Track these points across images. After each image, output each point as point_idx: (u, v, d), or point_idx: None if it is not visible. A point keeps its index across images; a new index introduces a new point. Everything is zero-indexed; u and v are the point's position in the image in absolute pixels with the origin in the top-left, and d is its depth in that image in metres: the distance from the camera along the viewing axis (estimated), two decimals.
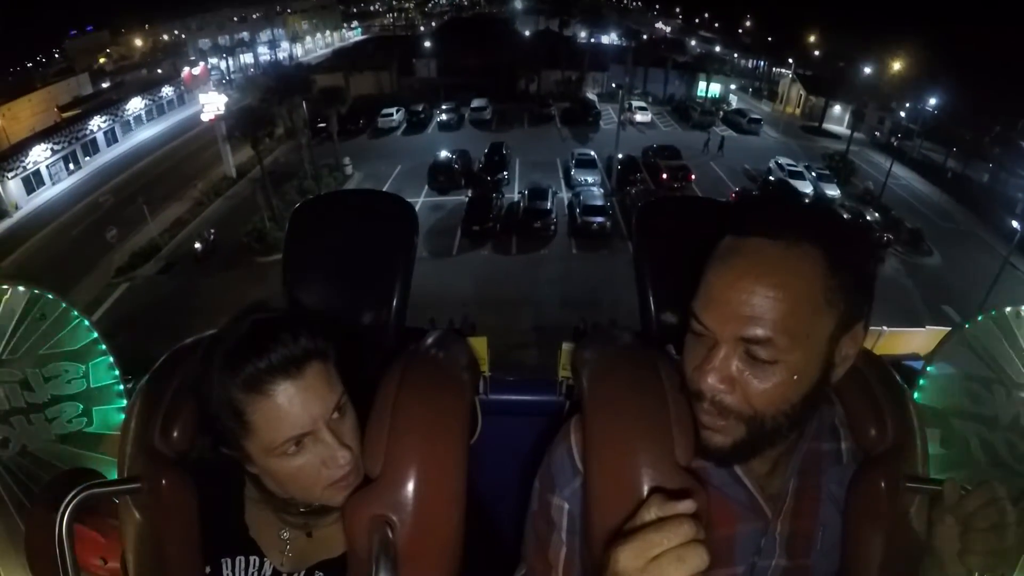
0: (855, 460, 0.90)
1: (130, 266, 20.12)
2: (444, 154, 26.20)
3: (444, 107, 35.17)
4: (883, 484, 0.86)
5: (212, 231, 21.34)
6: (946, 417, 1.54)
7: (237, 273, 19.18)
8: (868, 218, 21.51)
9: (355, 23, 73.79)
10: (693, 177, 24.77)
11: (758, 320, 0.70)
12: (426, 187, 24.55)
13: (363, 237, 1.20)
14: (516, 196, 23.08)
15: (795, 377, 0.72)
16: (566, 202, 22.92)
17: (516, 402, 1.44)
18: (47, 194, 28.33)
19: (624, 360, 0.90)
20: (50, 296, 1.58)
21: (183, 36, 59.09)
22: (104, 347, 1.62)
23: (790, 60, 38.61)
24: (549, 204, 21.65)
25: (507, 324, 15.71)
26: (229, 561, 0.94)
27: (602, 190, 23.13)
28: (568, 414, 0.95)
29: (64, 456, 1.58)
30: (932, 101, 27.32)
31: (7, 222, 25.42)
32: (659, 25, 70.53)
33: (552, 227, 20.92)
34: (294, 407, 0.81)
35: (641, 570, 0.61)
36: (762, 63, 46.76)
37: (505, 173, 25.66)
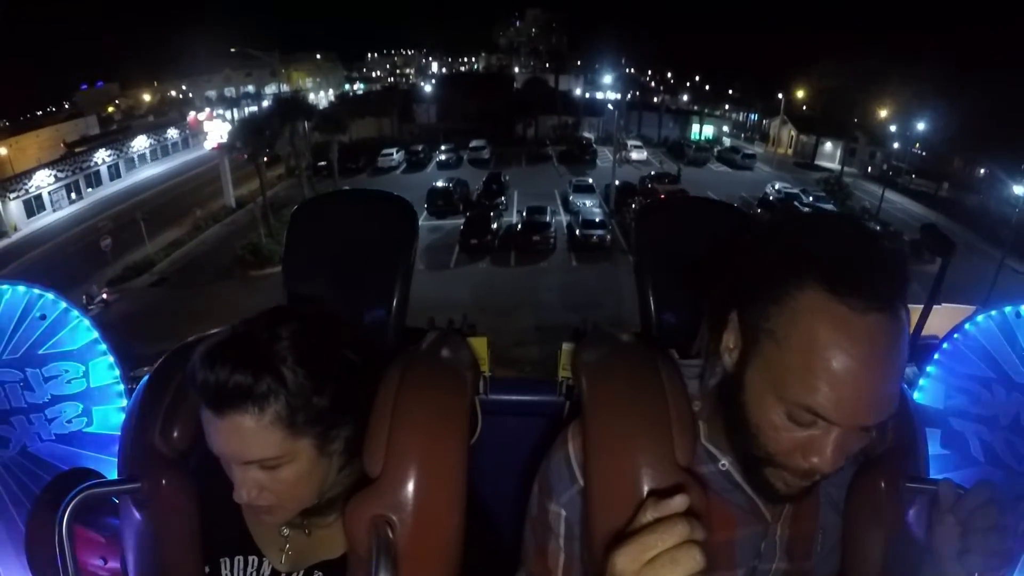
0: (855, 462, 0.89)
1: (122, 278, 20.01)
2: (442, 182, 26.50)
3: (443, 148, 36.13)
4: (883, 484, 0.87)
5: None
6: (946, 417, 1.55)
7: (229, 284, 19.00)
8: None
9: (358, 83, 76.45)
10: (684, 197, 24.91)
11: (888, 408, 0.67)
12: (424, 212, 24.61)
13: (363, 236, 1.21)
14: (515, 218, 23.16)
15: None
16: (564, 224, 22.96)
17: (516, 402, 1.43)
18: (47, 219, 28.43)
19: (624, 360, 0.89)
20: (50, 296, 1.58)
21: (190, 94, 60.96)
22: (104, 347, 1.62)
23: (779, 96, 39.59)
24: (548, 218, 21.75)
25: (508, 325, 15.29)
26: (228, 561, 0.93)
27: (600, 209, 23.19)
28: (568, 414, 0.94)
29: (64, 456, 1.58)
30: (920, 127, 27.85)
31: (4, 241, 25.37)
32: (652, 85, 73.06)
33: (551, 240, 20.92)
34: (212, 431, 0.80)
35: (637, 573, 0.61)
36: (753, 116, 48.05)
37: (503, 198, 25.89)
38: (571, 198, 25.12)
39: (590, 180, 27.39)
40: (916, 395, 1.55)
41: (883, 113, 31.49)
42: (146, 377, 0.98)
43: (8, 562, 1.40)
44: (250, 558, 0.93)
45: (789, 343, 0.67)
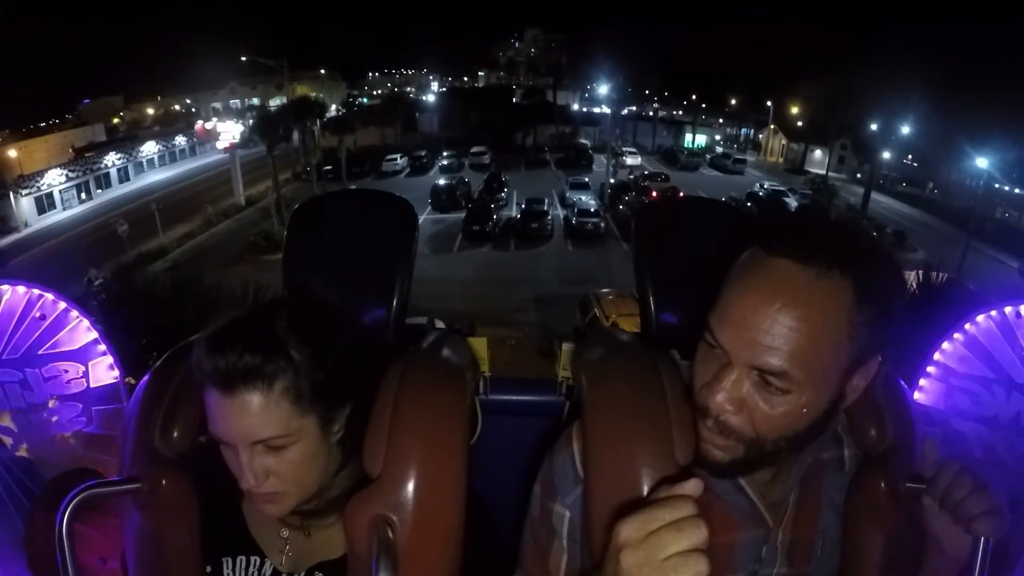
0: (856, 466, 0.89)
1: (136, 264, 20.43)
2: (444, 180, 27.86)
3: (446, 153, 37.64)
4: (883, 484, 0.85)
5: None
6: (946, 417, 1.55)
7: (241, 267, 19.72)
8: None
9: (361, 99, 78.02)
10: (682, 195, 25.91)
11: (776, 351, 0.67)
12: (428, 207, 25.74)
13: (363, 236, 1.20)
14: (514, 211, 24.29)
15: (804, 409, 0.70)
16: (561, 216, 24.06)
17: (516, 402, 1.44)
18: (57, 217, 29.17)
19: (624, 360, 0.89)
20: (50, 296, 1.58)
21: (194, 108, 62.16)
22: (104, 347, 1.62)
23: (769, 104, 41.00)
24: (546, 208, 23.00)
25: (508, 295, 16.31)
26: (230, 560, 0.94)
27: (596, 202, 24.45)
28: (568, 414, 0.97)
29: (64, 456, 1.59)
30: (904, 131, 28.83)
31: (14, 236, 26.15)
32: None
33: (549, 227, 22.10)
34: (220, 414, 0.80)
35: (642, 540, 0.60)
36: (745, 130, 49.47)
37: (503, 194, 27.18)
38: (568, 194, 26.21)
39: (586, 179, 28.72)
40: (916, 395, 1.55)
41: (872, 125, 32.42)
42: (146, 377, 0.98)
43: (8, 562, 1.38)
44: (252, 558, 0.94)
45: (723, 289, 0.73)
